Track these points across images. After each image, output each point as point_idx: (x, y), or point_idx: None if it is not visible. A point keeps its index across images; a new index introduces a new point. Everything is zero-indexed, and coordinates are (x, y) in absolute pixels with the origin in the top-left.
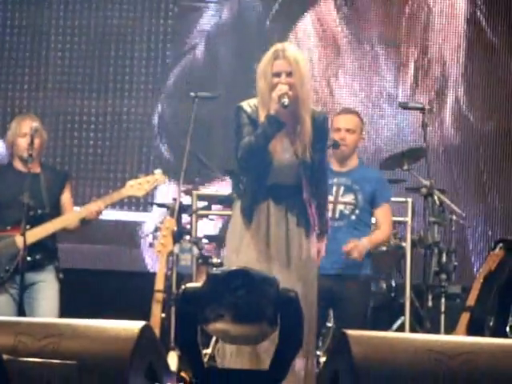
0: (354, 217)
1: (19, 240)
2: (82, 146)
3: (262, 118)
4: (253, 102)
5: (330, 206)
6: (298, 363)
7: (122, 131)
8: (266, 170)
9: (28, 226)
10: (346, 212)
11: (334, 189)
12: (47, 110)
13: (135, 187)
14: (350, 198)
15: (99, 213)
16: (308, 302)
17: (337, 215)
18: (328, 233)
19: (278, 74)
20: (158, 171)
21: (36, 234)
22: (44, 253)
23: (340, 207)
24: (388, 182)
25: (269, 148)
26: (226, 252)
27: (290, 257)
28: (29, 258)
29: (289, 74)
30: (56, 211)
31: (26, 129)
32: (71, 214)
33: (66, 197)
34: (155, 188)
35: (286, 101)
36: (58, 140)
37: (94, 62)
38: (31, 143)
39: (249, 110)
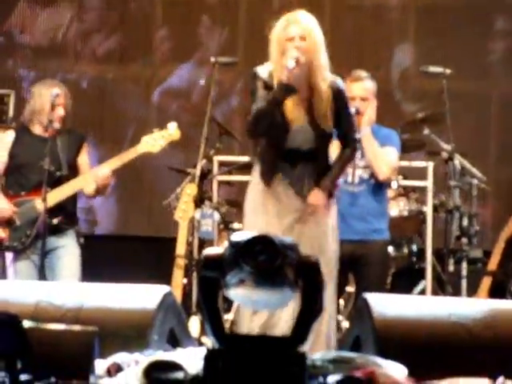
0: (373, 180)
1: (39, 204)
2: (99, 108)
3: (275, 83)
4: (268, 66)
5: (350, 171)
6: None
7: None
8: (281, 135)
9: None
10: (365, 176)
11: None
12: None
13: (150, 143)
14: (367, 161)
15: (114, 172)
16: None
17: (356, 180)
18: (334, 196)
19: (291, 39)
20: (172, 125)
21: (54, 196)
22: (64, 216)
23: (359, 172)
24: (402, 141)
25: (282, 114)
26: (245, 214)
27: (304, 224)
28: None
29: (302, 39)
30: (74, 173)
31: (59, 99)
32: (88, 175)
33: (83, 159)
34: (170, 143)
35: (290, 63)
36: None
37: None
38: (52, 109)
39: (264, 75)
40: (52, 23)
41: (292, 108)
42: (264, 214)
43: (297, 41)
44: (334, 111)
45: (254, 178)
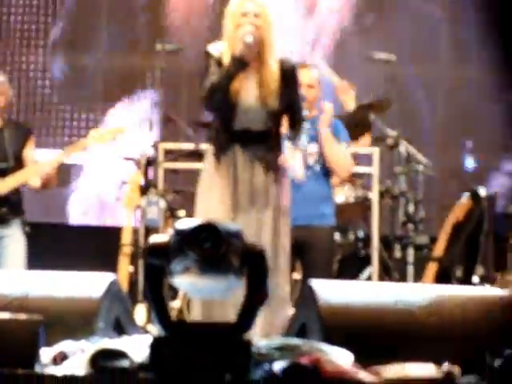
0: (318, 166)
1: None
2: (46, 102)
3: (227, 58)
4: (220, 45)
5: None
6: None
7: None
8: (231, 113)
9: None
10: (311, 162)
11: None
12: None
13: (97, 137)
14: (314, 147)
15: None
16: (278, 250)
17: None
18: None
19: (245, 14)
20: None
21: None
22: (8, 207)
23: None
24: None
25: (232, 90)
26: (196, 201)
27: (255, 205)
28: None
29: (256, 16)
30: (20, 166)
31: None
32: (33, 168)
33: (29, 152)
34: (116, 138)
35: (248, 37)
36: (21, 96)
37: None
38: None
39: (216, 53)
40: None
41: (242, 87)
42: (216, 195)
43: (251, 17)
44: (283, 90)
45: (207, 163)
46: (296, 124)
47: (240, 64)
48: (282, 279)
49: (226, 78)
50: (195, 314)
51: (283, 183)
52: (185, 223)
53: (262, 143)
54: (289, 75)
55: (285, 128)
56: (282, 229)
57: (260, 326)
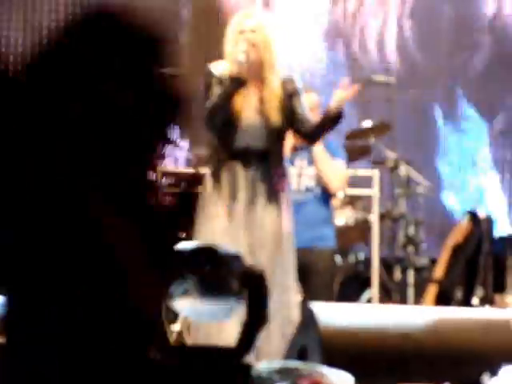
0: (319, 189)
1: None
2: None
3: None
4: (222, 64)
5: (295, 180)
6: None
7: None
8: (232, 131)
9: None
10: (311, 185)
11: (298, 162)
12: None
13: None
14: (313, 170)
15: None
16: (279, 272)
17: (302, 188)
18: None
19: (242, 32)
20: None
21: None
22: None
23: (304, 180)
24: (348, 150)
25: (233, 109)
26: (195, 222)
27: (256, 227)
28: None
29: (253, 32)
30: None
31: None
32: None
33: None
34: None
35: (241, 56)
36: None
37: None
38: None
39: (218, 72)
40: None
41: (243, 105)
42: (216, 217)
43: (247, 34)
44: (286, 108)
45: (206, 184)
46: (305, 135)
47: (237, 83)
48: (284, 300)
49: (224, 97)
50: (194, 338)
51: (285, 204)
52: (183, 245)
53: (263, 162)
54: (292, 96)
55: (288, 148)
56: (284, 250)
57: (263, 347)
